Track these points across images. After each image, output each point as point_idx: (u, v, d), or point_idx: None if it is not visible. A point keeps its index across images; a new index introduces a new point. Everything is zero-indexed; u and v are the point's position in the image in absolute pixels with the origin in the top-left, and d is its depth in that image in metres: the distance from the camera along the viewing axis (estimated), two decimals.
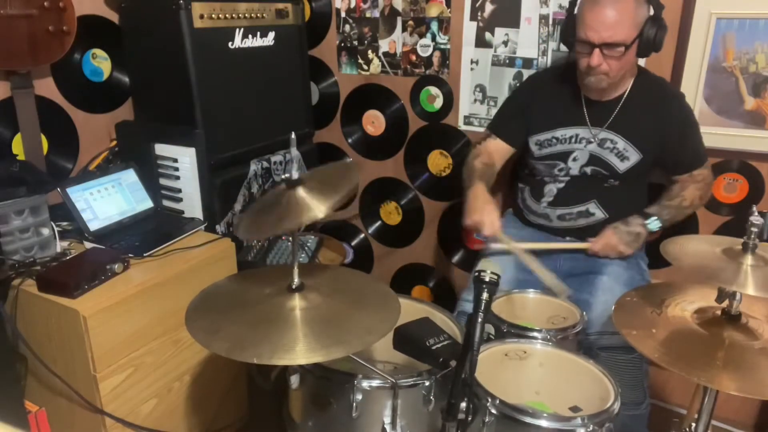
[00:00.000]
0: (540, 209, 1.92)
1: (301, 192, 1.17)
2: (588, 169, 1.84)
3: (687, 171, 1.84)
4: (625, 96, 1.79)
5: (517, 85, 2.16)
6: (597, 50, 1.62)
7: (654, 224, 1.77)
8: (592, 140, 1.81)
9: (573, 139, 1.83)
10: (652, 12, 1.66)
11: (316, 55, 2.55)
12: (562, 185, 1.88)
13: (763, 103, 1.85)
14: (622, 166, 1.81)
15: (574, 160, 1.84)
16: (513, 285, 1.77)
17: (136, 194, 1.96)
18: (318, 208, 1.13)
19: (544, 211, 1.90)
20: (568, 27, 1.72)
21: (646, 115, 1.78)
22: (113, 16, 2.09)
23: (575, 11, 1.70)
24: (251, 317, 1.17)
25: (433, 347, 1.21)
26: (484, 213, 1.74)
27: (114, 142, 2.11)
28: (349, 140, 2.64)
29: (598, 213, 1.85)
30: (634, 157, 1.79)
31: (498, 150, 1.96)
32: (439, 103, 2.38)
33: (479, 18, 2.20)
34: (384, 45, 2.40)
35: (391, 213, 2.63)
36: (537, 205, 1.92)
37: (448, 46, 2.28)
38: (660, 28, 1.65)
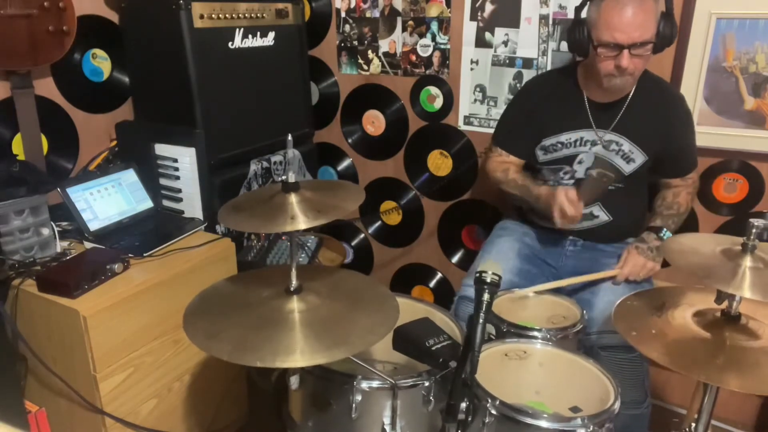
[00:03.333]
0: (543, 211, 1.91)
1: (293, 198, 1.17)
2: (593, 172, 1.83)
3: (682, 174, 1.85)
4: (629, 97, 1.77)
5: (518, 88, 2.15)
6: (626, 52, 1.59)
7: (667, 235, 1.79)
8: (598, 142, 1.80)
9: (578, 143, 1.82)
10: (663, 7, 1.66)
11: (316, 55, 2.55)
12: None
13: (763, 103, 1.85)
14: (627, 168, 1.80)
15: (580, 162, 1.83)
16: (513, 284, 1.77)
17: (136, 194, 1.96)
18: (302, 221, 1.12)
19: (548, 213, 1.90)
20: (579, 32, 1.67)
21: (650, 116, 1.77)
22: (113, 16, 2.09)
23: (586, 15, 1.68)
24: (251, 320, 1.17)
25: (433, 348, 1.22)
26: (563, 202, 1.68)
27: (114, 142, 2.11)
28: (349, 140, 2.64)
29: (602, 216, 1.85)
30: (639, 158, 1.79)
31: (513, 163, 1.95)
32: (439, 103, 2.38)
33: (479, 18, 2.20)
34: (384, 45, 2.40)
35: (391, 215, 2.64)
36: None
37: (448, 46, 2.28)
38: (673, 23, 1.65)
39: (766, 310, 1.24)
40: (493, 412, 1.24)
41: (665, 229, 1.79)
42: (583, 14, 1.70)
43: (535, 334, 1.51)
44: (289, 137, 1.24)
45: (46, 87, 1.95)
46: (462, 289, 1.83)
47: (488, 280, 1.08)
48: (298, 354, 1.07)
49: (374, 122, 2.56)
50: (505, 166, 1.93)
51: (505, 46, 2.18)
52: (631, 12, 1.57)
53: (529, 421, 1.21)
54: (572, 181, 1.86)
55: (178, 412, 1.82)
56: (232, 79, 2.04)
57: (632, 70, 1.63)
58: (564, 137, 1.83)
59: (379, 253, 2.73)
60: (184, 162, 1.97)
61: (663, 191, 1.88)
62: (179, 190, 2.02)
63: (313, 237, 2.32)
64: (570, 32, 1.72)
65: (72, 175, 2.05)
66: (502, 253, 1.89)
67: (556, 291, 1.79)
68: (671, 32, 1.65)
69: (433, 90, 2.37)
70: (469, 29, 2.22)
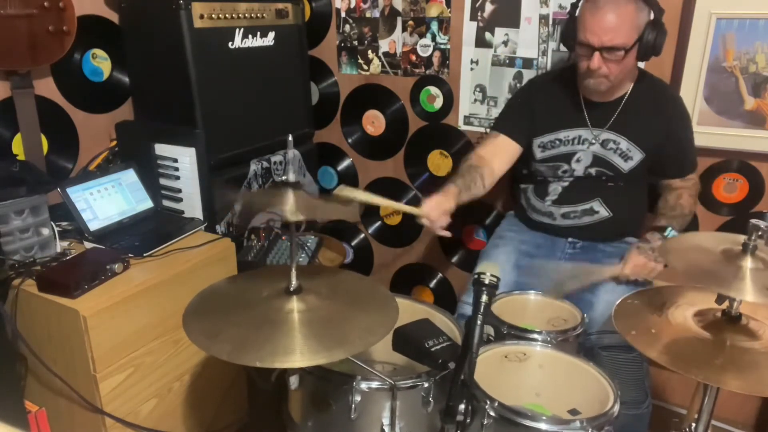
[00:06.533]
0: (544, 207, 1.92)
1: (290, 194, 1.18)
2: (593, 171, 1.84)
3: (682, 175, 1.85)
4: (625, 98, 1.78)
5: (517, 86, 2.16)
6: (597, 53, 1.62)
7: (671, 234, 1.76)
8: (594, 141, 1.81)
9: (575, 141, 1.83)
10: (652, 16, 1.65)
11: (316, 55, 2.54)
12: (566, 184, 1.88)
13: (763, 103, 1.85)
14: (626, 166, 1.81)
15: (578, 161, 1.84)
16: (513, 287, 1.78)
17: (136, 194, 1.96)
18: (295, 212, 1.13)
19: (548, 209, 1.90)
20: (569, 29, 1.71)
21: (647, 115, 1.78)
22: (113, 16, 2.09)
23: (576, 13, 1.70)
24: (250, 320, 1.16)
25: (433, 349, 1.22)
26: (427, 206, 1.68)
27: (114, 142, 2.11)
28: (349, 140, 2.63)
29: (603, 211, 1.85)
30: (637, 156, 1.80)
31: (503, 149, 1.90)
32: (439, 103, 2.38)
33: (479, 18, 2.19)
34: (384, 45, 2.40)
35: (391, 216, 2.63)
36: (541, 203, 1.92)
37: (448, 46, 2.28)
38: (660, 33, 1.65)
39: (767, 310, 1.24)
40: (492, 413, 1.23)
41: (670, 228, 1.77)
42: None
43: (536, 336, 1.51)
44: (290, 137, 1.25)
45: (46, 87, 1.95)
46: (460, 306, 1.83)
47: (486, 281, 1.08)
48: (298, 354, 1.07)
49: (374, 122, 2.56)
50: (475, 154, 1.90)
51: (505, 46, 2.18)
52: (606, 16, 1.59)
53: (527, 423, 1.20)
54: (572, 179, 1.87)
55: (178, 412, 1.82)
56: (232, 79, 2.04)
57: (605, 73, 1.65)
58: (562, 134, 1.84)
59: (379, 253, 2.73)
60: (184, 162, 1.97)
61: (665, 194, 1.87)
62: (179, 190, 2.02)
63: (313, 237, 2.32)
64: (563, 28, 1.78)
65: (72, 175, 2.05)
66: (498, 267, 1.88)
67: None
68: (656, 41, 1.64)
69: (433, 90, 2.37)
70: (469, 29, 2.22)
